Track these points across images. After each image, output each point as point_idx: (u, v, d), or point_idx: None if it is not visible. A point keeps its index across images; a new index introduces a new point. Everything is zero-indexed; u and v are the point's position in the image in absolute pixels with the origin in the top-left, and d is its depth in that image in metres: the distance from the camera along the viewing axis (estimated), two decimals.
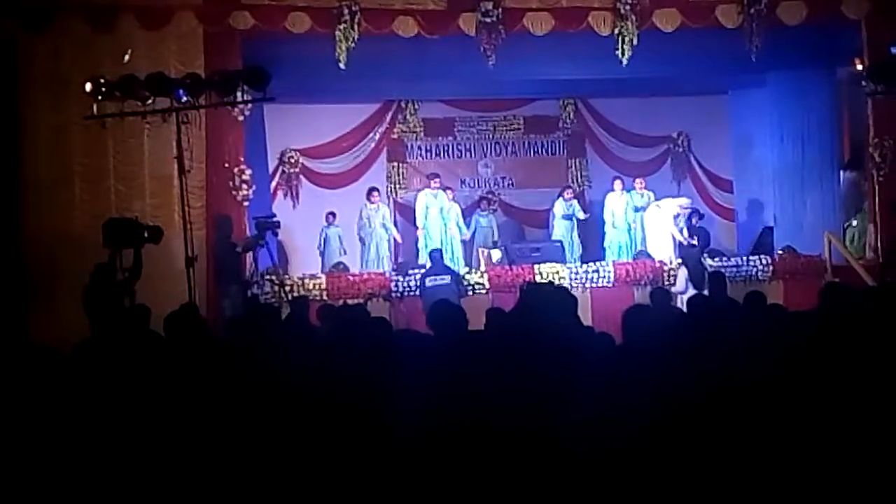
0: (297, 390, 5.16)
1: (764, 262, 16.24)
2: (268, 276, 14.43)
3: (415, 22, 14.88)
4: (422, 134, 20.12)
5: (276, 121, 17.53)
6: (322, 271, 16.83)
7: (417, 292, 14.84)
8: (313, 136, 19.31)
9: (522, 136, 20.47)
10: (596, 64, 15.97)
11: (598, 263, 16.39)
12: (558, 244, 17.65)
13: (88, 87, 11.72)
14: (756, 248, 17.87)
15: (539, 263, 16.04)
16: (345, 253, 17.96)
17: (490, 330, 7.72)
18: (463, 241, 18.27)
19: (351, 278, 15.69)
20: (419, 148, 20.18)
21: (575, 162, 20.60)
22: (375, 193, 18.12)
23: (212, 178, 14.30)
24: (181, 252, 11.74)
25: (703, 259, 15.41)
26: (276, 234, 14.55)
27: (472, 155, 20.38)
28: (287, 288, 14.30)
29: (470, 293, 15.07)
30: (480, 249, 17.97)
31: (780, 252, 16.85)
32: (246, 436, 4.65)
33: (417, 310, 14.19)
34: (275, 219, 14.46)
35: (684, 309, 11.62)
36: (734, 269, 15.82)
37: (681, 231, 16.86)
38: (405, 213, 19.45)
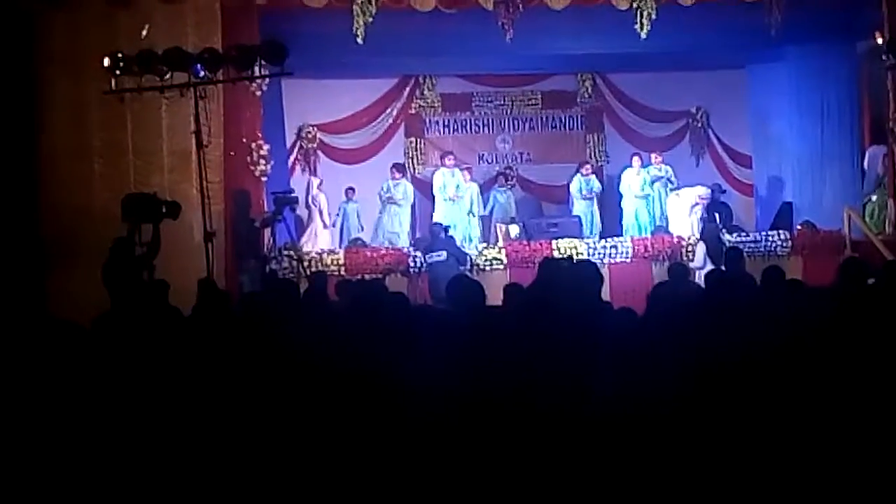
0: (315, 365, 5.16)
1: (783, 237, 16.22)
2: (286, 252, 14.46)
3: None
4: (439, 109, 20.06)
5: (294, 96, 17.52)
6: (339, 246, 16.88)
7: (424, 269, 14.92)
8: (331, 111, 19.28)
9: (540, 111, 20.39)
10: (614, 38, 15.91)
11: (616, 239, 16.41)
12: (576, 219, 17.65)
13: (106, 61, 11.74)
14: (775, 223, 17.81)
15: (557, 239, 16.06)
16: (362, 229, 18.02)
17: (508, 305, 7.72)
18: (481, 217, 18.29)
19: (369, 254, 15.74)
20: (437, 123, 20.13)
21: (593, 137, 20.51)
22: (397, 171, 18.17)
23: (229, 153, 14.31)
24: (199, 227, 11.77)
25: (721, 234, 15.38)
26: (293, 210, 14.58)
27: (490, 130, 20.32)
28: (305, 263, 14.33)
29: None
30: (498, 225, 17.98)
31: (799, 227, 16.81)
32: (264, 411, 4.66)
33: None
34: (293, 194, 14.48)
35: (702, 284, 11.61)
36: (753, 245, 15.80)
37: (699, 220, 16.78)
38: (423, 189, 19.42)
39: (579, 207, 18.44)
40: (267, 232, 14.39)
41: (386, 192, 18.01)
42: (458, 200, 17.98)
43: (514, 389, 4.63)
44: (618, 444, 4.32)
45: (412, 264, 15.28)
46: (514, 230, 17.48)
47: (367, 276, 14.20)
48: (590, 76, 20.32)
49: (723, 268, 12.80)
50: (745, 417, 4.40)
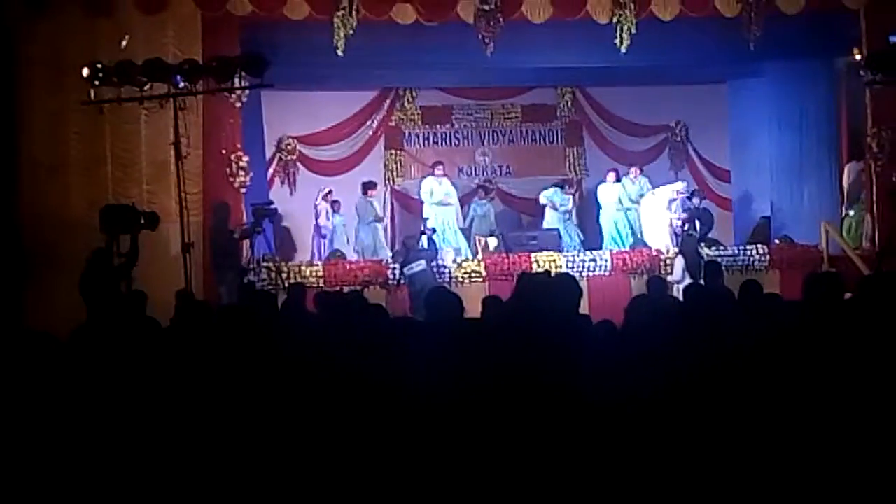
0: (293, 376, 5.15)
1: (761, 251, 16.29)
2: (265, 263, 14.44)
3: (413, 9, 14.85)
4: (420, 122, 20.05)
5: (274, 107, 17.50)
6: (320, 258, 16.89)
7: (403, 281, 14.97)
8: (311, 123, 19.26)
9: (520, 124, 20.41)
10: (594, 52, 15.98)
11: (594, 252, 16.45)
12: (555, 232, 17.67)
13: (86, 72, 11.72)
14: (753, 237, 17.89)
15: (536, 252, 16.09)
16: (348, 242, 18.00)
17: (487, 317, 7.72)
18: (462, 230, 18.31)
19: (348, 266, 15.74)
20: (417, 136, 20.12)
21: (572, 151, 20.55)
22: (371, 189, 18.10)
23: (209, 164, 14.30)
24: (178, 238, 11.75)
25: (700, 248, 15.45)
26: (272, 222, 14.57)
27: (470, 143, 20.33)
28: (284, 275, 14.31)
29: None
30: (477, 237, 17.99)
31: (776, 242, 16.89)
32: (243, 421, 4.65)
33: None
34: (272, 206, 14.47)
35: (680, 298, 11.65)
36: (731, 259, 15.87)
37: (679, 218, 16.90)
38: (403, 201, 19.46)
39: (552, 220, 18.41)
40: (246, 243, 14.37)
41: (370, 213, 17.85)
42: (447, 207, 17.92)
43: (492, 398, 4.64)
44: (597, 448, 4.35)
45: (391, 276, 15.29)
46: (494, 243, 17.51)
47: (345, 288, 14.18)
48: (570, 90, 20.37)
49: (701, 281, 12.86)
50: (717, 423, 4.44)
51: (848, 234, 16.93)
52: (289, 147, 19.23)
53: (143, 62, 11.75)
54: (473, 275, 15.49)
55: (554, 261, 15.66)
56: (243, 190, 14.80)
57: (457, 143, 20.29)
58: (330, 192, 18.15)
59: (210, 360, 5.46)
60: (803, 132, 17.74)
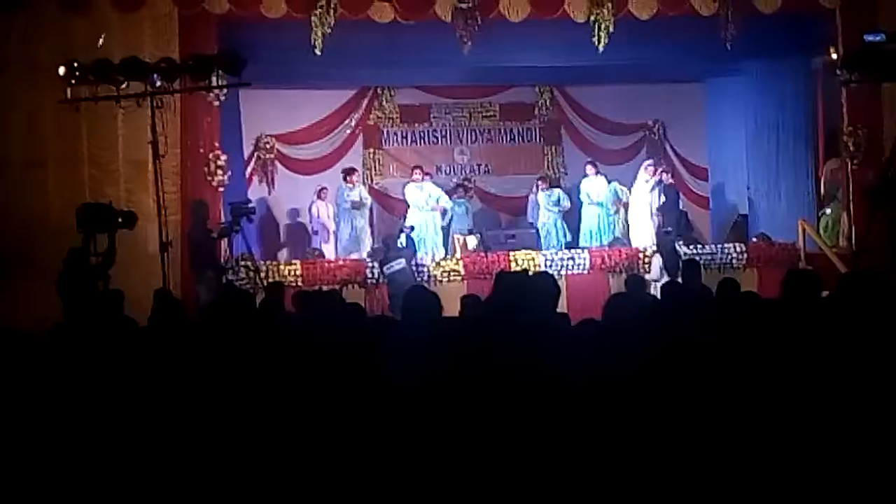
0: (271, 376, 5.15)
1: (738, 249, 16.34)
2: (243, 262, 14.41)
3: (391, 8, 14.82)
4: (398, 120, 20.06)
5: (252, 106, 17.46)
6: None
7: (382, 280, 14.97)
8: (289, 121, 19.24)
9: (498, 123, 20.44)
10: (572, 51, 15.98)
11: (573, 250, 16.48)
12: (534, 231, 17.69)
13: (62, 70, 11.66)
14: (730, 235, 17.95)
15: (514, 250, 16.11)
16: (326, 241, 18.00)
17: (465, 316, 7.73)
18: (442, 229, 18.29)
19: (326, 265, 15.73)
20: (395, 134, 20.12)
21: (551, 149, 20.59)
22: (353, 176, 18.09)
23: (187, 163, 14.27)
24: (155, 237, 11.71)
25: (677, 247, 15.49)
26: (251, 220, 14.54)
27: (448, 142, 20.34)
28: (262, 274, 14.28)
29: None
30: (456, 236, 17.99)
31: (754, 240, 16.95)
32: (220, 420, 4.65)
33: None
34: (250, 205, 14.44)
35: (658, 296, 11.69)
36: (708, 257, 15.90)
37: (659, 196, 17.05)
38: (381, 200, 19.46)
39: (546, 218, 18.40)
40: (224, 243, 14.33)
41: (347, 199, 17.84)
42: (434, 212, 17.87)
43: (470, 397, 4.65)
44: (574, 445, 4.37)
45: (370, 275, 15.28)
46: (472, 241, 17.51)
47: (324, 288, 14.16)
48: (548, 88, 20.41)
49: (679, 280, 12.90)
50: (695, 420, 4.47)
51: (825, 233, 17.01)
52: (267, 146, 19.20)
53: (119, 61, 11.70)
54: (452, 274, 15.50)
55: (532, 259, 15.68)
56: (221, 189, 14.76)
57: (435, 141, 20.30)
58: (324, 189, 18.17)
59: (188, 360, 5.45)
60: (780, 131, 17.79)
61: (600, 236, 17.91)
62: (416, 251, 15.72)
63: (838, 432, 4.33)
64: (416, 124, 20.15)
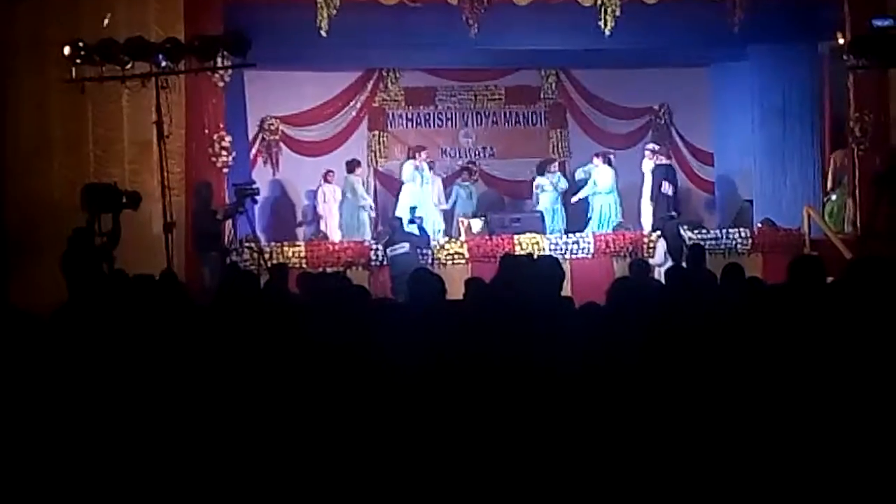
0: (275, 357, 5.15)
1: (743, 235, 16.32)
2: (247, 244, 14.41)
3: None
4: (403, 103, 20.01)
5: (257, 87, 17.41)
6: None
7: (385, 262, 14.95)
8: (294, 103, 19.20)
9: (504, 106, 20.38)
10: (578, 35, 15.95)
11: (577, 234, 16.46)
12: (538, 214, 17.66)
13: (67, 50, 11.64)
14: (735, 221, 17.92)
15: (519, 234, 16.10)
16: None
17: (469, 299, 7.72)
18: (443, 212, 18.27)
19: (330, 247, 15.72)
20: (400, 117, 20.07)
21: (556, 133, 20.54)
22: (357, 167, 18.12)
23: (191, 144, 14.25)
24: (160, 218, 11.72)
25: (682, 231, 15.47)
26: (255, 202, 14.54)
27: (453, 125, 20.29)
28: (266, 255, 14.28)
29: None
30: (461, 219, 17.99)
31: (759, 225, 16.92)
32: (225, 401, 4.65)
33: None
34: (254, 186, 14.44)
35: (663, 281, 11.68)
36: (713, 242, 15.87)
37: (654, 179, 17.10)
38: (386, 182, 19.43)
39: (546, 202, 18.39)
40: (228, 224, 14.33)
41: (352, 192, 17.87)
42: (423, 191, 17.87)
43: (473, 379, 4.66)
44: (577, 428, 4.37)
45: (374, 257, 15.27)
46: (477, 225, 17.49)
47: (328, 270, 14.17)
48: (553, 72, 20.34)
49: (683, 264, 12.90)
50: (698, 403, 4.48)
51: (830, 218, 16.98)
52: (272, 127, 19.17)
53: (125, 41, 11.67)
54: (456, 257, 15.49)
55: (537, 243, 15.68)
56: (226, 170, 14.75)
57: (440, 124, 20.25)
58: (331, 171, 18.18)
59: (191, 340, 5.45)
60: (786, 116, 17.73)
61: (609, 224, 17.87)
62: (429, 241, 15.58)
63: (844, 418, 4.33)
64: (422, 107, 20.10)
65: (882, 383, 4.44)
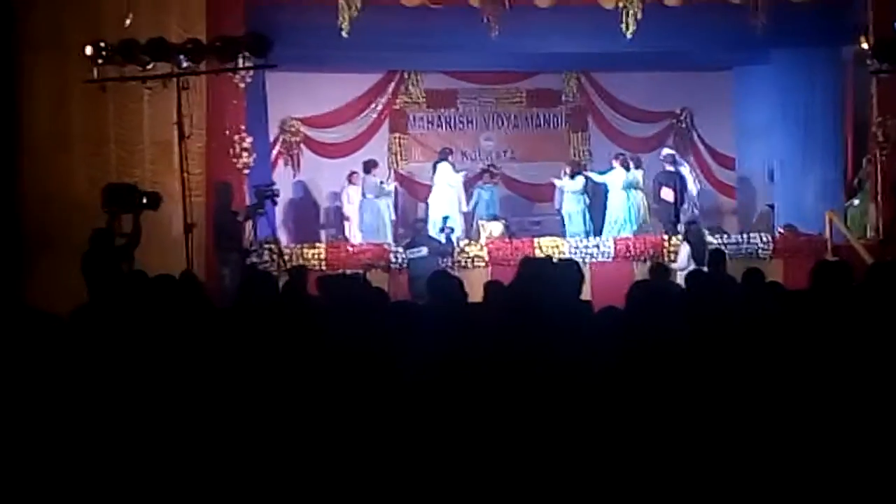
0: (294, 359, 5.14)
1: (764, 240, 16.24)
2: (266, 245, 14.42)
3: None
4: (424, 105, 20.03)
5: (278, 89, 17.41)
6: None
7: (405, 265, 14.94)
8: (315, 105, 19.23)
9: (524, 109, 20.38)
10: (600, 38, 15.92)
11: (597, 238, 16.43)
12: (559, 218, 17.63)
13: (89, 50, 11.67)
14: (757, 226, 17.85)
15: (539, 237, 16.07)
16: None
17: (489, 302, 7.70)
18: (463, 214, 18.25)
19: (350, 249, 15.73)
20: (421, 119, 20.09)
21: (577, 136, 20.52)
22: (374, 167, 18.14)
23: (212, 145, 14.25)
24: (180, 219, 11.73)
25: (705, 237, 15.41)
26: (275, 203, 14.54)
27: (475, 127, 20.29)
28: (286, 257, 14.29)
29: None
30: (481, 222, 17.97)
31: (780, 230, 16.84)
32: (242, 401, 4.64)
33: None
34: (275, 187, 14.44)
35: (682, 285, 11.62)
36: (735, 247, 15.81)
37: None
38: (406, 185, 19.44)
39: (572, 206, 18.30)
40: (248, 225, 14.35)
41: (373, 188, 17.88)
42: (452, 190, 17.87)
43: (492, 383, 4.64)
44: (596, 431, 4.35)
45: (393, 260, 15.27)
46: (497, 228, 17.47)
47: (348, 272, 14.16)
48: (575, 75, 20.32)
49: (704, 269, 12.84)
50: (719, 408, 4.45)
51: (852, 224, 16.88)
52: (292, 129, 19.20)
53: (146, 41, 11.69)
54: (476, 260, 15.47)
55: (557, 246, 15.64)
56: (246, 171, 14.77)
57: (461, 127, 20.25)
58: (355, 173, 18.18)
59: (210, 342, 5.45)
60: (808, 120, 17.65)
61: (627, 224, 17.78)
62: (452, 250, 15.51)
63: (867, 421, 4.29)
64: (443, 109, 20.11)
65: None
